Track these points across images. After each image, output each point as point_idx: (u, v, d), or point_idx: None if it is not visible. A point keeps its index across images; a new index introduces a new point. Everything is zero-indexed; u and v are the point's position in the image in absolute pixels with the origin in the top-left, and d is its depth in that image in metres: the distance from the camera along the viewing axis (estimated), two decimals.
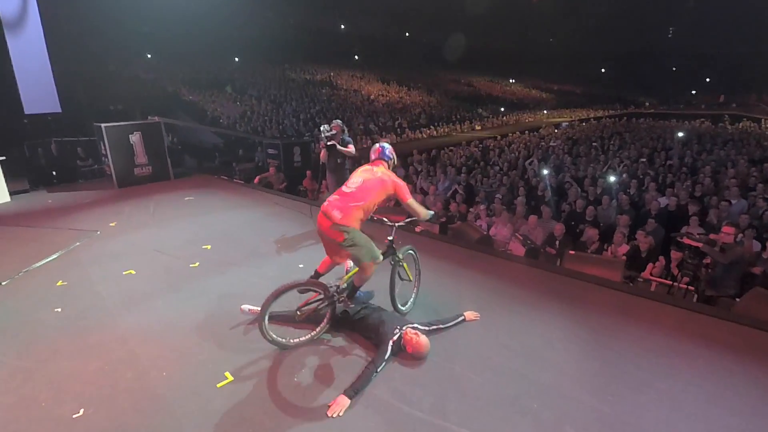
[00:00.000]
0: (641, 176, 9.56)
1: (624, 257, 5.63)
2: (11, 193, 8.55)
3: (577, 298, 3.97)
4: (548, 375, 2.91)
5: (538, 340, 3.30)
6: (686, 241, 4.99)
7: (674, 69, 43.34)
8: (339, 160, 5.91)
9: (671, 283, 5.13)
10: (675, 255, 5.44)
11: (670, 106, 37.14)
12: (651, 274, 5.55)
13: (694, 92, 41.99)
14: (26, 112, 10.30)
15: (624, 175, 9.67)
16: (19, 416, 2.71)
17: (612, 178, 9.26)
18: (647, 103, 39.54)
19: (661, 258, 5.65)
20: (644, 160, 12.08)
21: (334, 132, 5.76)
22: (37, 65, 10.42)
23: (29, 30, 10.34)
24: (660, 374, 2.94)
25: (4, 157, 8.37)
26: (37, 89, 10.43)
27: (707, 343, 3.29)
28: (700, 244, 4.72)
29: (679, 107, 35.67)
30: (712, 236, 4.93)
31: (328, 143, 5.73)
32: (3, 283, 4.66)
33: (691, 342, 3.30)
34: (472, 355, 3.12)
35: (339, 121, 5.97)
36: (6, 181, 8.44)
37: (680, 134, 16.94)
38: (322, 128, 5.77)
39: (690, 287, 4.95)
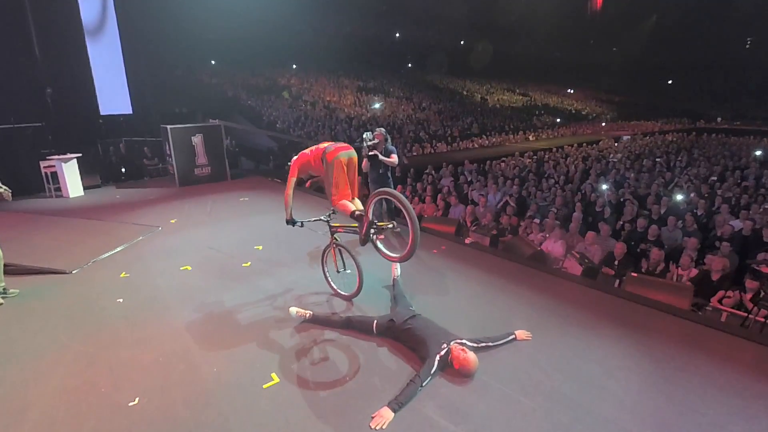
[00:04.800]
0: (707, 195, 8.88)
1: (689, 283, 5.21)
2: (85, 188, 9.24)
3: (640, 325, 3.69)
4: (606, 406, 2.71)
5: (595, 367, 3.09)
6: (764, 269, 4.54)
7: (751, 82, 40.13)
8: (381, 171, 5.66)
9: (746, 314, 4.67)
10: (750, 284, 4.96)
11: (745, 121, 34.34)
12: (720, 303, 5.09)
13: None
14: (102, 113, 11.13)
15: (692, 195, 9.01)
16: (80, 400, 2.88)
17: (679, 197, 8.64)
18: (719, 118, 36.81)
19: (738, 291, 5.15)
20: (715, 178, 11.24)
21: (376, 141, 5.48)
22: (113, 70, 11.27)
23: (108, 38, 11.22)
24: (734, 416, 2.66)
25: (81, 154, 9.08)
26: (112, 92, 11.27)
27: None
28: None
29: (755, 123, 32.88)
30: None
31: (370, 153, 5.45)
32: (74, 272, 5.01)
33: None
34: (522, 377, 2.97)
35: (382, 129, 5.69)
36: (81, 176, 9.15)
37: (758, 152, 15.58)
38: (364, 136, 5.46)
39: None
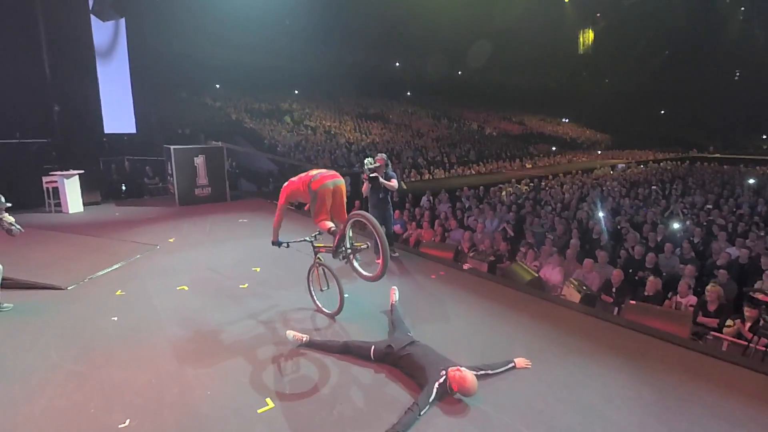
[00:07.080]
0: (705, 224, 8.94)
1: (691, 308, 5.19)
2: (85, 204, 9.25)
3: (639, 353, 3.66)
4: None
5: (596, 396, 3.05)
6: (761, 297, 4.54)
7: (741, 112, 40.99)
8: (381, 195, 5.76)
9: (747, 343, 4.63)
10: (749, 313, 4.95)
11: (737, 150, 34.84)
12: (721, 332, 5.05)
13: (765, 137, 39.31)
14: (106, 131, 11.24)
15: (688, 222, 9.08)
16: (69, 421, 2.80)
17: (676, 225, 8.70)
18: (711, 147, 37.36)
19: (738, 321, 5.11)
20: (710, 206, 11.33)
21: (377, 165, 5.62)
22: (120, 91, 11.44)
23: (117, 60, 11.44)
24: None
25: (83, 171, 9.12)
26: (118, 111, 11.41)
27: None
28: None
29: (747, 152, 33.34)
30: None
31: (371, 175, 5.58)
32: (69, 288, 4.97)
33: None
34: (523, 406, 2.92)
35: (384, 154, 5.84)
36: (82, 192, 9.17)
37: (751, 181, 15.76)
38: (366, 161, 5.62)
39: None
